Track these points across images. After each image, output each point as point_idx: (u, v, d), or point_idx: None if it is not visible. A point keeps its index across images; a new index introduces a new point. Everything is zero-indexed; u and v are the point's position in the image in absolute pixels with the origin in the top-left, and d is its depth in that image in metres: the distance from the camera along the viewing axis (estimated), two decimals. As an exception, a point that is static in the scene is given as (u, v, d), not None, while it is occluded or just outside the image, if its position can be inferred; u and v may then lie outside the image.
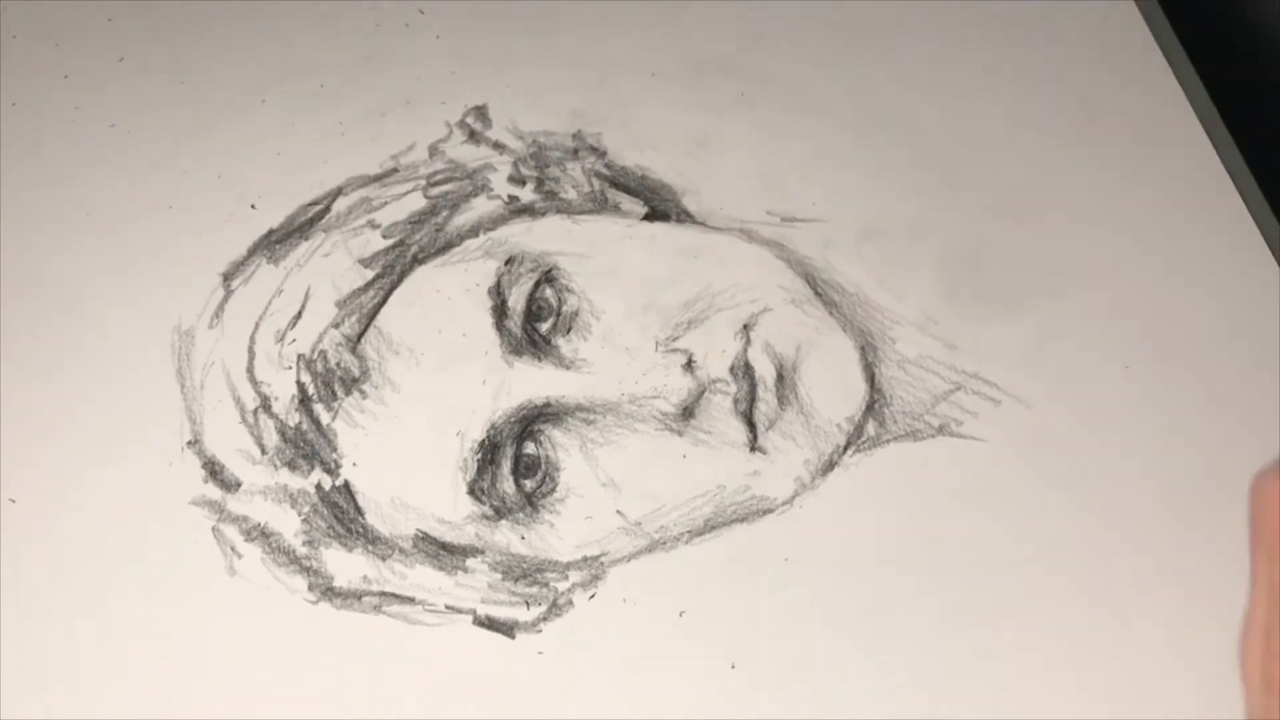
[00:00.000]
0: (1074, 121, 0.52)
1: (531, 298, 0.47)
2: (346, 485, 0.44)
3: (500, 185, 0.50)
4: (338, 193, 0.50)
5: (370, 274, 0.48)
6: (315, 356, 0.46)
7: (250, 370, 0.46)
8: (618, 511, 0.43)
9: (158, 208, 0.50)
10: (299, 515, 0.43)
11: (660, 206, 0.50)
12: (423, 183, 0.51)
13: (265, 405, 0.45)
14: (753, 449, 0.44)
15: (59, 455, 0.44)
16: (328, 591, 0.42)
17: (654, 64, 0.54)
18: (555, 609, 0.41)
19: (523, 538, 0.43)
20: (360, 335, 0.47)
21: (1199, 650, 0.41)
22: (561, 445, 0.44)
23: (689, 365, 0.46)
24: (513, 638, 0.41)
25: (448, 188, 0.51)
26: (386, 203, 0.50)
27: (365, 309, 0.47)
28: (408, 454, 0.44)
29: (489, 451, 0.44)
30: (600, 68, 0.54)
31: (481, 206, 0.50)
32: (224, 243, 0.49)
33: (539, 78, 0.53)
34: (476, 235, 0.49)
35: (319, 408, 0.45)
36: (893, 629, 0.41)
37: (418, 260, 0.49)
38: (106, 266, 0.49)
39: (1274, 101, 0.56)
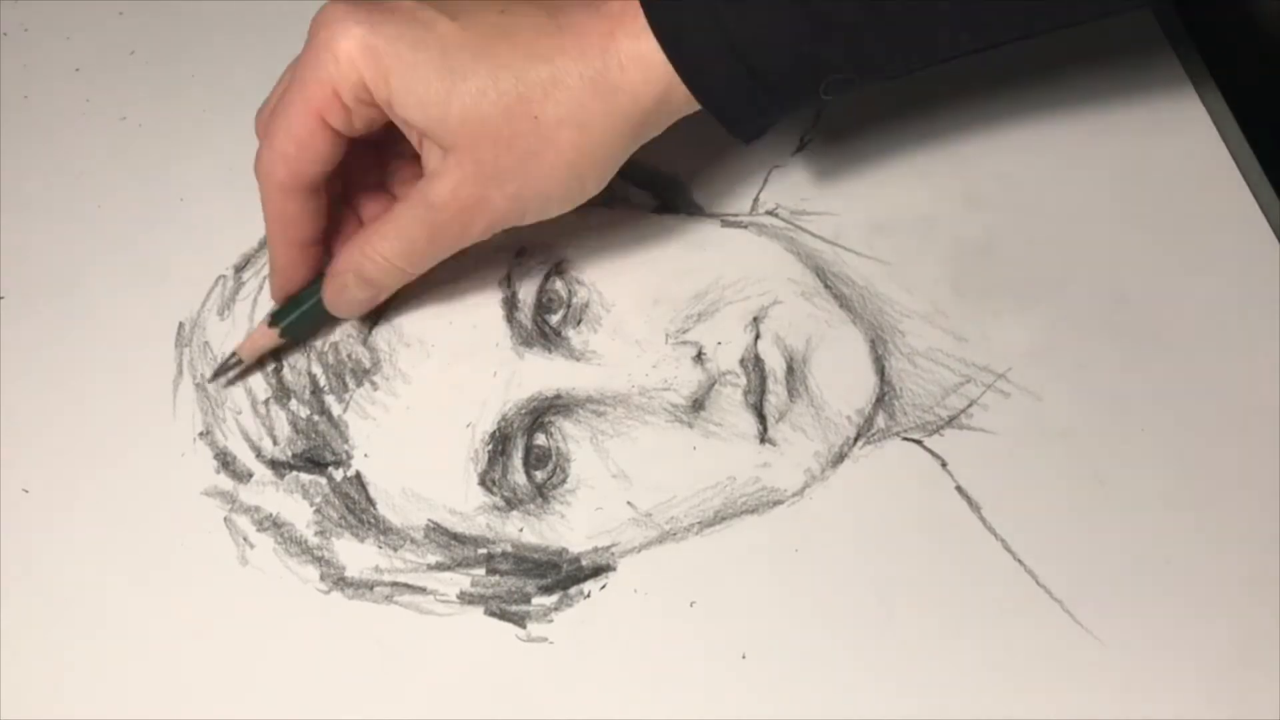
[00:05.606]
0: (1083, 114, 0.52)
1: (542, 290, 0.47)
2: (358, 476, 0.44)
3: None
4: (348, 185, 0.50)
5: (381, 266, 0.48)
6: (326, 348, 0.46)
7: (261, 361, 0.46)
8: (628, 503, 0.43)
9: (169, 200, 0.50)
10: (311, 506, 0.43)
11: (670, 199, 0.50)
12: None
13: (276, 396, 0.45)
14: (763, 441, 0.45)
15: (72, 446, 0.44)
16: (340, 581, 0.42)
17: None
18: (566, 599, 0.42)
19: (534, 529, 0.43)
20: (371, 327, 0.47)
21: (1209, 643, 0.41)
22: (572, 437, 0.44)
23: (699, 357, 0.46)
24: (524, 628, 0.41)
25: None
26: (397, 195, 0.50)
27: (376, 301, 0.47)
28: (419, 445, 0.44)
29: (500, 443, 0.44)
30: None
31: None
32: (235, 235, 0.49)
33: (549, 71, 0.53)
34: (486, 228, 0.49)
35: (330, 399, 0.45)
36: (902, 620, 0.41)
37: (428, 253, 0.49)
38: (118, 258, 0.49)
39: (1283, 95, 0.56)
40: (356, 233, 0.44)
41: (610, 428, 0.45)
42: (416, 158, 0.43)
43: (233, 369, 0.45)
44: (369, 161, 0.46)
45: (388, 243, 0.42)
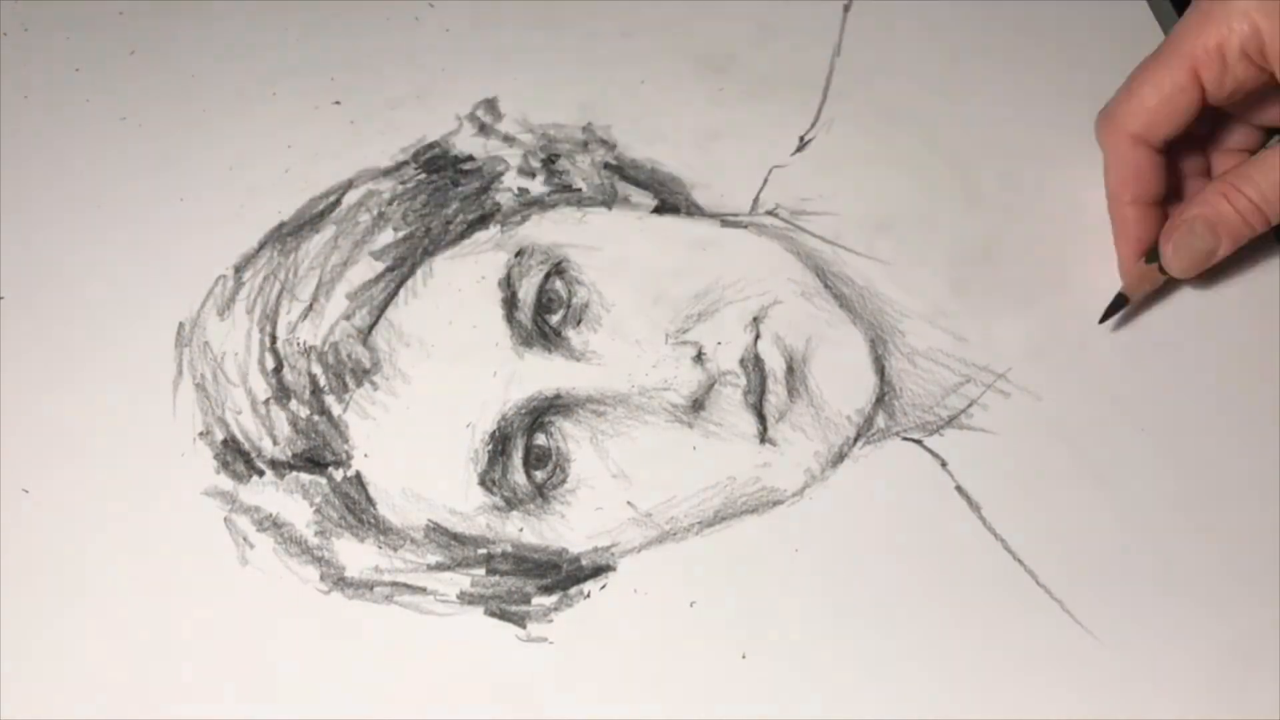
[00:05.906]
0: (1083, 115, 0.52)
1: (542, 290, 0.47)
2: (358, 476, 0.44)
3: (510, 178, 0.51)
4: (348, 185, 0.51)
5: (381, 266, 0.48)
6: (326, 348, 0.47)
7: (261, 361, 0.46)
8: (628, 502, 0.43)
9: (169, 200, 0.50)
10: (311, 506, 0.43)
11: (670, 199, 0.50)
12: (433, 175, 0.51)
13: (276, 396, 0.45)
14: (763, 441, 0.45)
15: (72, 446, 0.45)
16: (339, 581, 0.42)
17: (664, 57, 0.54)
18: (566, 599, 0.42)
19: (534, 529, 0.43)
20: (371, 327, 0.47)
21: (1208, 643, 0.41)
22: (572, 437, 0.45)
23: (699, 357, 0.46)
24: (524, 628, 0.41)
25: (457, 180, 0.51)
26: (397, 195, 0.50)
27: (376, 301, 0.47)
28: (419, 445, 0.44)
29: (500, 443, 0.44)
30: (611, 61, 0.54)
31: (491, 199, 0.50)
32: (235, 235, 0.49)
33: (548, 71, 0.53)
34: (486, 228, 0.49)
35: (330, 399, 0.45)
36: (901, 620, 0.41)
37: (428, 252, 0.49)
38: (118, 259, 0.49)
39: None
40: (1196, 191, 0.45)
41: (610, 428, 0.45)
42: (1244, 153, 0.45)
43: (1121, 309, 0.46)
44: (1196, 154, 0.47)
45: (1251, 185, 0.42)
